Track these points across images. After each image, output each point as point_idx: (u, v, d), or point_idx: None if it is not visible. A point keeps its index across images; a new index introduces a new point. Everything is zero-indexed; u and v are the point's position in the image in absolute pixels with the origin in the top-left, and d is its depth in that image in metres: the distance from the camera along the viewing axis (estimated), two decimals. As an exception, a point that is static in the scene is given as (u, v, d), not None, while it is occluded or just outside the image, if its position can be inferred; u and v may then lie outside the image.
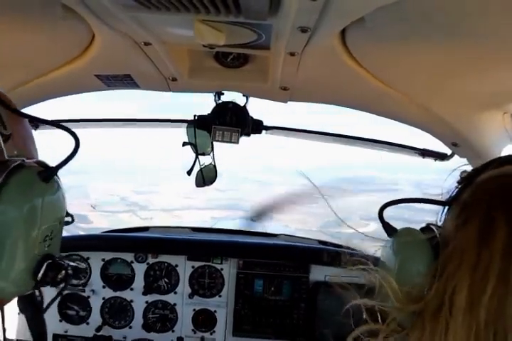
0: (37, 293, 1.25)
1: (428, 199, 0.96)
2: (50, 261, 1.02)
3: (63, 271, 1.08)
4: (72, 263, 1.13)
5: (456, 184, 0.92)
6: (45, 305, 1.29)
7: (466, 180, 0.91)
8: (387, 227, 0.99)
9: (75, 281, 2.55)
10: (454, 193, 0.91)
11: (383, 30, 1.20)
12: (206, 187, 2.38)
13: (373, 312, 0.88)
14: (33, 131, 2.13)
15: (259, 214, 4.46)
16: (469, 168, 0.94)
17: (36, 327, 1.26)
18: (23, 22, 1.28)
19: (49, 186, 0.99)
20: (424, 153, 2.25)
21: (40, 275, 1.01)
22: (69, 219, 1.18)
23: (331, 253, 2.38)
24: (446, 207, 0.92)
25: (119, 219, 12.58)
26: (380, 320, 0.87)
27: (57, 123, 1.28)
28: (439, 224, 0.92)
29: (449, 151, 2.12)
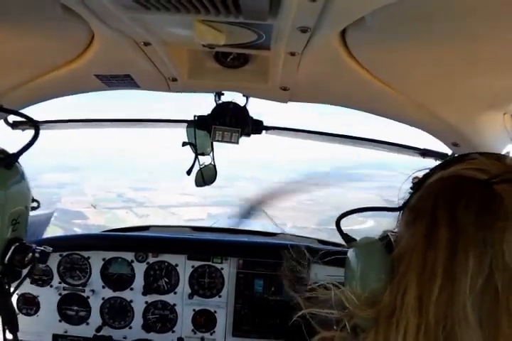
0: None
1: (382, 207, 1.00)
2: (17, 244, 1.04)
3: (30, 254, 1.09)
4: (39, 247, 1.14)
5: (410, 190, 0.95)
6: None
7: (416, 185, 0.94)
8: (346, 238, 1.02)
9: (74, 282, 2.55)
10: (407, 199, 0.95)
11: (384, 30, 1.20)
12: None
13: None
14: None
15: (250, 210, 4.48)
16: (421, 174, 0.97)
17: (6, 312, 1.26)
18: (22, 22, 1.27)
19: (12, 172, 1.02)
20: (425, 153, 2.23)
21: (7, 258, 1.02)
22: (35, 204, 1.19)
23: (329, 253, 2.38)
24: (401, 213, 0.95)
25: (116, 215, 12.55)
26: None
27: (15, 111, 1.28)
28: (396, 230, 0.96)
29: (449, 151, 2.10)
